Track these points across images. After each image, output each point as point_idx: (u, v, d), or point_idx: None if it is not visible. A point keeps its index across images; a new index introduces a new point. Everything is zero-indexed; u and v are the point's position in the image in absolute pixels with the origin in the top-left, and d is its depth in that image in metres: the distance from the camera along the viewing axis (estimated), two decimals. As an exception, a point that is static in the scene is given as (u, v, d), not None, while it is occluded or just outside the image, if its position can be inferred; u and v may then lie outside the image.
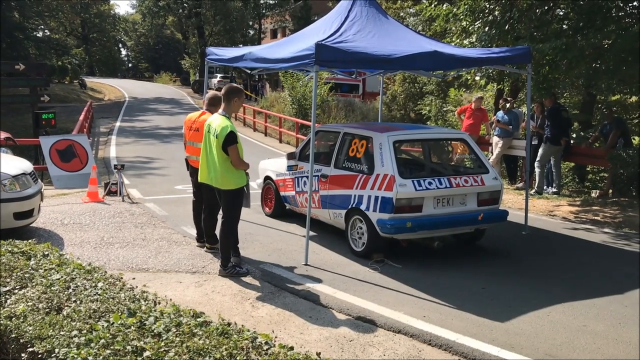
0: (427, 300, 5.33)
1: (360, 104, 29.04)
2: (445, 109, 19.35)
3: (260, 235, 7.46)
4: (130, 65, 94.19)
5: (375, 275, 6.02)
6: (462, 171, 7.54)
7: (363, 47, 6.65)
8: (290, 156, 7.94)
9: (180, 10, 57.83)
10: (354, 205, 6.61)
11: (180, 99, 41.85)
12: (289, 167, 7.90)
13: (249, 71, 9.82)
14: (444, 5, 12.00)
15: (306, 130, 20.68)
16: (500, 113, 12.12)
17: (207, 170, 5.92)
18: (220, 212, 6.14)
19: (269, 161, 8.97)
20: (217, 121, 5.79)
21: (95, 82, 56.98)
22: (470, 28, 11.52)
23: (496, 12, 10.99)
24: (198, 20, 53.47)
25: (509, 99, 12.60)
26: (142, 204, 9.25)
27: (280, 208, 8.34)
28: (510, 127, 11.74)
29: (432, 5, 12.39)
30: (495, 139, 11.95)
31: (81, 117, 18.64)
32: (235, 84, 6.35)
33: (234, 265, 6.00)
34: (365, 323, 4.81)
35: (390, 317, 4.88)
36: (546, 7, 11.42)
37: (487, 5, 11.13)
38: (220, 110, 5.95)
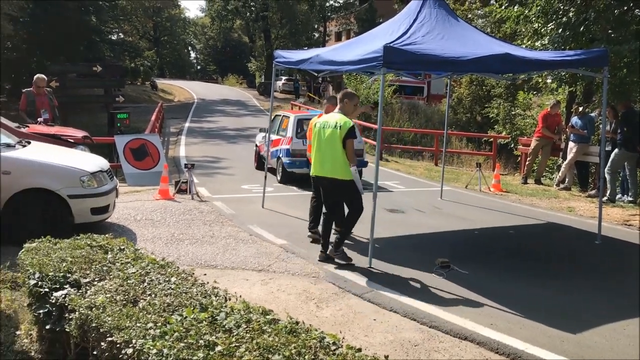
0: (494, 308, 5.22)
1: (424, 106, 28.73)
2: (513, 112, 18.84)
3: (324, 237, 7.49)
4: (198, 67, 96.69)
5: (440, 281, 5.94)
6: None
7: (432, 49, 6.58)
8: (262, 130, 13.04)
9: (248, 14, 58.93)
10: (279, 155, 11.44)
11: (246, 101, 42.58)
12: (262, 137, 12.36)
13: (315, 74, 9.91)
14: (515, 7, 11.71)
15: (368, 132, 20.63)
16: (574, 118, 11.71)
17: (321, 163, 6.27)
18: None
19: (258, 135, 13.72)
20: (335, 117, 6.25)
21: (166, 83, 58.83)
22: (542, 30, 11.20)
23: (570, 14, 10.62)
24: (265, 24, 54.33)
25: (581, 104, 12.16)
26: (210, 202, 9.49)
27: (261, 162, 12.74)
28: (585, 131, 11.31)
29: (503, 7, 12.10)
30: (570, 144, 11.56)
31: (153, 118, 19.30)
32: (349, 89, 6.67)
33: (344, 251, 6.39)
34: (430, 329, 4.75)
35: (456, 324, 4.80)
36: (625, 8, 10.96)
37: (561, 7, 10.77)
38: (336, 109, 6.42)
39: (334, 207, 6.43)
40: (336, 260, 6.36)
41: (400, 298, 5.39)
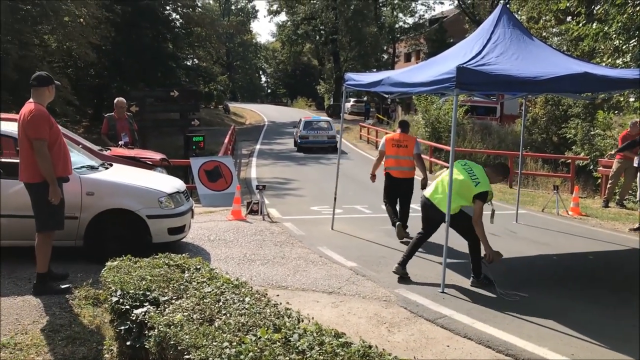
0: (574, 337, 4.97)
1: (497, 127, 28.06)
2: (592, 132, 18.07)
3: (393, 259, 7.38)
4: (269, 90, 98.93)
5: (515, 307, 5.73)
6: (324, 128, 26.28)
7: (507, 70, 6.44)
8: (294, 126, 28.61)
9: (317, 38, 59.87)
10: (297, 137, 26.56)
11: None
12: (295, 130, 27.95)
13: (385, 96, 9.91)
14: (594, 24, 11.31)
15: (439, 153, 20.36)
16: (657, 138, 11.12)
17: (435, 191, 6.47)
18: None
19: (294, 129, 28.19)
20: (481, 174, 6.28)
21: (238, 107, 60.53)
22: (624, 47, 10.75)
23: (655, 29, 10.17)
24: (334, 47, 55.00)
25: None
26: (281, 223, 9.60)
27: (295, 143, 26.79)
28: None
29: (580, 25, 11.72)
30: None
31: (226, 140, 19.87)
32: (505, 165, 6.72)
33: (485, 275, 6.39)
34: (506, 357, 4.58)
35: (534, 353, 4.61)
36: None
37: (644, 22, 10.34)
38: (487, 171, 6.40)
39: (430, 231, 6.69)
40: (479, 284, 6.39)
41: (475, 324, 5.23)
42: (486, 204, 6.29)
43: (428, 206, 6.53)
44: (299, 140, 25.92)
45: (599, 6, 11.84)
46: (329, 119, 28.67)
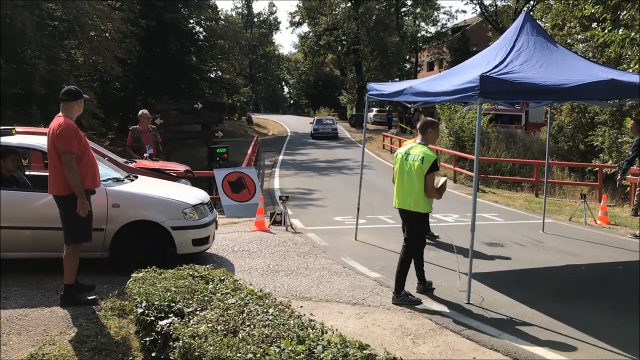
0: (607, 350, 4.86)
1: (522, 135, 27.78)
2: (620, 140, 17.75)
3: (419, 270, 7.35)
4: (291, 101, 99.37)
5: (543, 318, 5.64)
6: (330, 124, 41.91)
7: (530, 78, 6.37)
8: (311, 123, 43.88)
9: (340, 48, 60.01)
10: (312, 130, 41.84)
11: (338, 133, 43.09)
12: (311, 125, 43.43)
13: (409, 105, 9.87)
14: (620, 30, 11.15)
15: (463, 162, 20.20)
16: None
17: (404, 196, 6.25)
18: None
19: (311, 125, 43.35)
20: (419, 149, 6.15)
21: (260, 118, 60.89)
22: (651, 52, 10.59)
23: (683, 34, 9.99)
24: (356, 57, 55.05)
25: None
26: (304, 234, 9.59)
27: (311, 134, 41.53)
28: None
29: (606, 31, 11.57)
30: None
31: (249, 151, 19.99)
32: (430, 118, 6.67)
33: (406, 293, 6.12)
34: (534, 369, 4.50)
35: (563, 365, 4.53)
36: None
37: (673, 28, 10.16)
38: (418, 140, 6.35)
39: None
40: (401, 305, 6.02)
41: (501, 335, 5.15)
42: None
43: (410, 217, 6.26)
44: (312, 132, 40.49)
45: (625, 12, 11.66)
46: (333, 117, 47.15)
